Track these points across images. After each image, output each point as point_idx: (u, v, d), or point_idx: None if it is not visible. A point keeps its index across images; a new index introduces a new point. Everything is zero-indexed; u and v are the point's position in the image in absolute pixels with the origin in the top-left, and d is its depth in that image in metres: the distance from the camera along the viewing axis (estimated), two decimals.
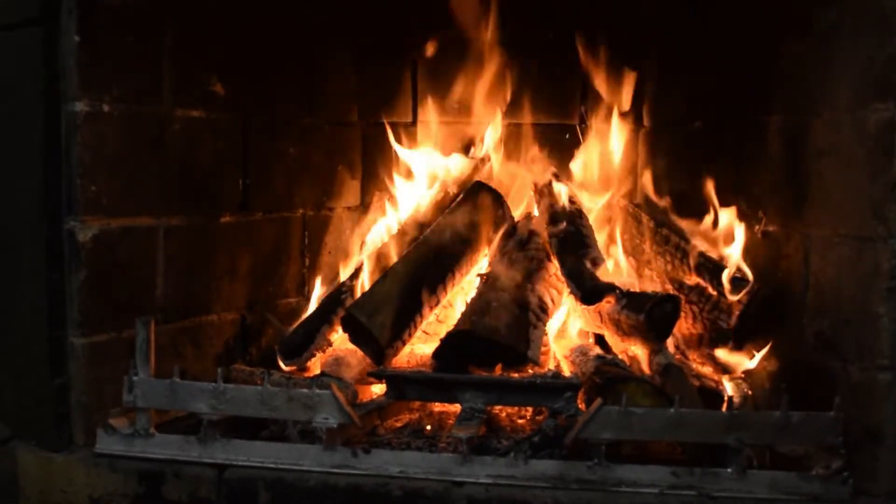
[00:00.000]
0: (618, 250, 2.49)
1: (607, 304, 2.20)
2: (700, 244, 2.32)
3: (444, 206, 2.53)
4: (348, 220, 2.76)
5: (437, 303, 2.31)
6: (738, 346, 2.18)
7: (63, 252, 1.91)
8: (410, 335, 2.24)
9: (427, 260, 2.29)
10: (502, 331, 2.07)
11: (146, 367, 1.88)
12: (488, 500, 1.74)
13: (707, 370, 2.20)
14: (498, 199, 2.48)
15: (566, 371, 2.17)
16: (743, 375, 2.16)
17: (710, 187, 2.34)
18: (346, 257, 2.65)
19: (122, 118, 1.96)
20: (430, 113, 2.74)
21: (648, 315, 2.08)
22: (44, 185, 1.90)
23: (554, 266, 2.29)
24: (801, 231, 2.04)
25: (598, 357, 2.15)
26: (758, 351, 2.13)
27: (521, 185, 2.64)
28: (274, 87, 2.42)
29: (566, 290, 2.27)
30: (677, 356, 2.21)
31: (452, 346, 2.09)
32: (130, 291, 2.01)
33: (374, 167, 2.80)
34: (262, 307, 2.41)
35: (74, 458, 1.89)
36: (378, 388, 2.16)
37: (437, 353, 2.12)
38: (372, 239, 2.61)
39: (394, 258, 2.38)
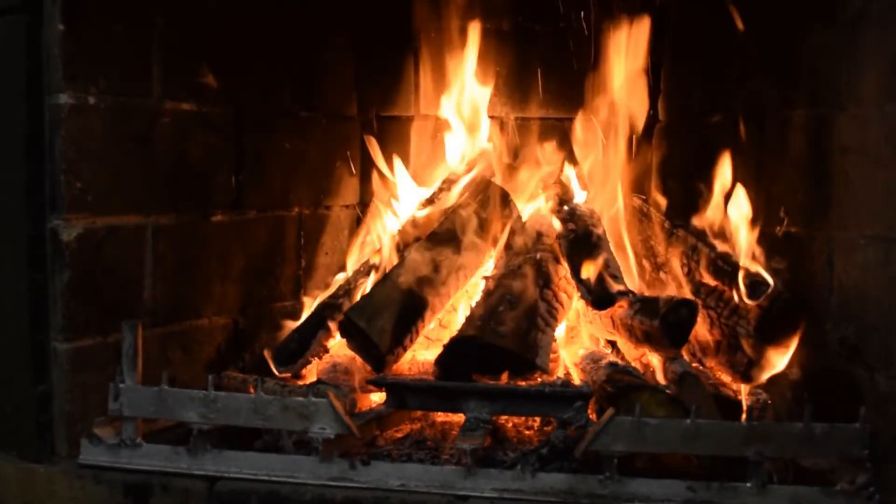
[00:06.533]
0: (631, 252, 2.49)
1: (620, 308, 2.20)
2: (718, 246, 2.32)
3: (447, 204, 2.53)
4: (346, 220, 2.76)
5: (441, 307, 2.30)
6: (757, 353, 2.18)
7: (46, 252, 1.91)
8: (412, 341, 2.24)
9: (430, 261, 2.28)
10: (509, 337, 2.07)
11: (133, 374, 1.88)
12: None
13: (725, 378, 2.20)
14: (505, 198, 2.48)
15: (576, 379, 2.17)
16: (763, 384, 2.15)
17: (729, 185, 2.33)
18: (345, 258, 2.65)
19: (109, 111, 1.97)
20: (433, 106, 2.74)
21: (663, 320, 2.08)
22: (26, 181, 1.90)
23: (563, 269, 2.29)
24: (825, 232, 2.04)
25: (610, 364, 2.15)
26: (779, 358, 2.13)
27: (529, 183, 2.63)
28: (269, 78, 2.42)
29: (576, 294, 2.26)
30: (694, 364, 2.21)
31: (456, 353, 2.09)
32: (117, 294, 2.01)
33: (373, 163, 2.80)
34: (255, 311, 2.41)
35: (57, 469, 1.89)
36: (378, 397, 2.16)
37: (440, 360, 2.12)
38: (371, 239, 2.61)
39: (395, 260, 2.38)
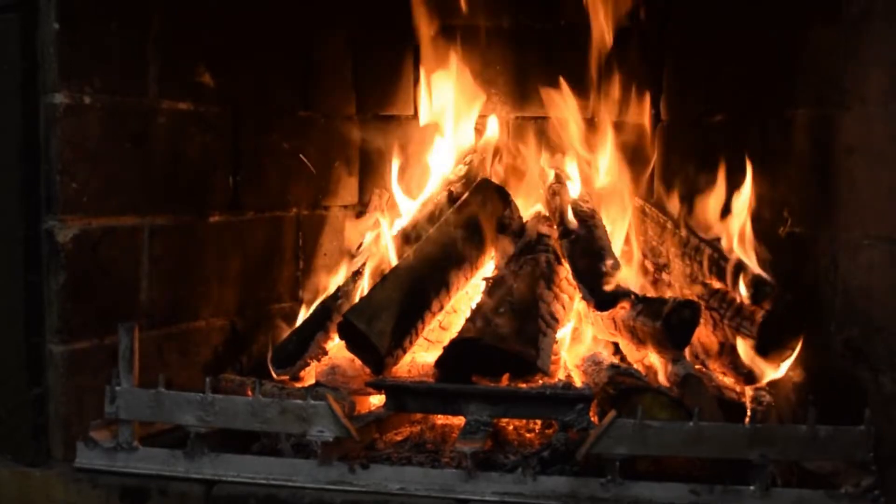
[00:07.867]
0: (633, 253, 2.48)
1: (622, 310, 2.20)
2: (721, 246, 2.32)
3: (447, 204, 2.52)
4: (345, 220, 2.75)
5: (441, 308, 2.30)
6: (761, 355, 2.18)
7: (41, 253, 1.91)
8: (412, 343, 2.23)
9: (429, 262, 2.28)
10: (510, 338, 2.07)
11: (129, 377, 1.88)
12: None
13: (728, 381, 2.20)
14: (505, 198, 2.48)
15: (578, 381, 2.16)
16: (767, 386, 2.15)
17: (731, 185, 2.33)
18: (343, 259, 2.65)
19: (105, 111, 1.96)
20: (432, 105, 2.74)
21: (666, 322, 2.08)
22: (21, 181, 1.90)
23: (565, 270, 2.29)
24: (829, 232, 2.04)
25: (612, 367, 2.15)
26: (782, 360, 2.13)
27: (530, 183, 2.63)
28: (266, 78, 2.42)
29: (578, 296, 2.26)
30: (696, 366, 2.20)
31: (456, 355, 2.09)
32: (113, 295, 2.01)
33: (372, 163, 2.80)
34: (253, 312, 2.41)
35: (53, 473, 1.89)
36: (377, 399, 2.16)
37: (440, 362, 2.11)
38: (370, 240, 2.61)
39: (394, 260, 2.38)
